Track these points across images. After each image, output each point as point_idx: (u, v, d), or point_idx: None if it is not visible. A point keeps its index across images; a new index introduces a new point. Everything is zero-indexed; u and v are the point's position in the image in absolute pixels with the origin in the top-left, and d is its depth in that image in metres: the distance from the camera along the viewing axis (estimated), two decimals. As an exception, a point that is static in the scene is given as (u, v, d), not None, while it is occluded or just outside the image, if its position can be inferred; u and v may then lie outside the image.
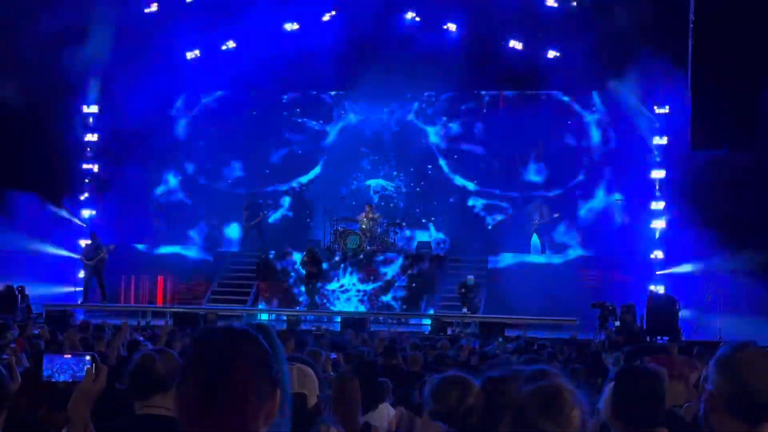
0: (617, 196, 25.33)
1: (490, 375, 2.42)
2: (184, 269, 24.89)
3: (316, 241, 25.35)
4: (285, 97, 27.57)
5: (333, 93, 27.44)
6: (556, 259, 24.20)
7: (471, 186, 26.62)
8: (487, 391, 2.38)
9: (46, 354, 4.15)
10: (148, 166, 26.65)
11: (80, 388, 3.78)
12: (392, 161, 26.97)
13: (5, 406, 3.76)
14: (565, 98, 26.20)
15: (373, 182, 26.60)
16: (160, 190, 27.55)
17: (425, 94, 27.00)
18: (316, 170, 27.31)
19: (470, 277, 22.70)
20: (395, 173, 26.98)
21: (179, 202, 27.54)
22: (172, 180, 27.75)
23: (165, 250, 25.42)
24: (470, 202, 26.58)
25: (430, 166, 26.90)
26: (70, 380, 3.98)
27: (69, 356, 4.06)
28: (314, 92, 27.49)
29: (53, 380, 4.01)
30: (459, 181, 26.71)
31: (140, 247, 25.39)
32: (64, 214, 25.85)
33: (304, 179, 27.37)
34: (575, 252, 24.87)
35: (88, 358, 3.95)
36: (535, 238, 25.01)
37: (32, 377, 7.08)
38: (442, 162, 26.86)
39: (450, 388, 3.78)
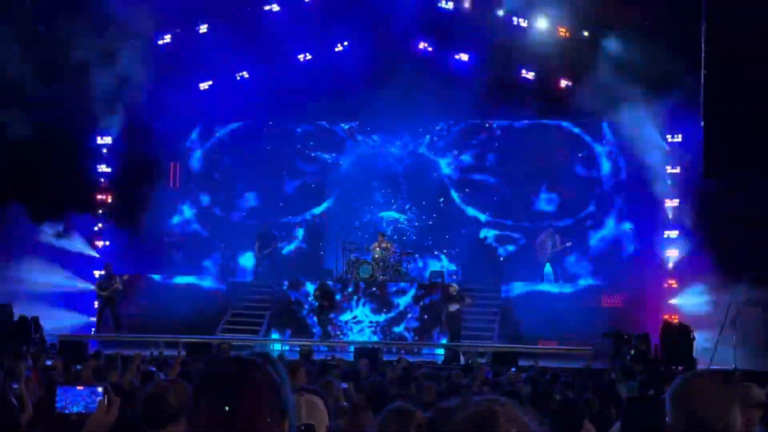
0: (627, 225, 25.35)
1: (438, 405, 2.46)
2: (198, 299, 24.87)
3: (328, 270, 25.42)
4: (299, 129, 27.73)
5: (345, 126, 27.57)
6: (569, 289, 24.15)
7: (483, 217, 26.67)
8: (432, 421, 2.44)
9: (60, 386, 4.17)
10: (164, 197, 26.86)
11: (92, 419, 3.81)
12: (404, 194, 27.03)
13: None
14: (576, 129, 26.30)
15: (385, 215, 26.61)
16: (175, 220, 27.68)
17: (437, 127, 27.12)
18: (329, 202, 27.41)
19: (454, 286, 22.74)
20: (407, 206, 27.03)
21: (194, 232, 27.66)
22: (188, 211, 27.90)
23: (181, 280, 25.48)
24: (482, 234, 26.62)
25: (441, 199, 26.96)
26: (83, 411, 4.00)
27: (82, 388, 4.09)
28: (327, 124, 27.64)
29: (66, 412, 4.04)
30: (471, 212, 26.76)
31: (156, 277, 25.45)
32: (78, 244, 25.95)
33: (317, 210, 27.47)
34: (587, 281, 24.86)
35: (100, 389, 3.98)
36: (548, 267, 24.97)
37: (45, 408, 7.10)
38: (454, 194, 26.94)
39: (393, 418, 3.81)
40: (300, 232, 27.53)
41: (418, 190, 27.02)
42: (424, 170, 27.12)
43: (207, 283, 25.55)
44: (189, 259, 26.84)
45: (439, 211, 27.01)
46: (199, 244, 27.39)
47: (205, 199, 27.99)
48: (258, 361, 2.55)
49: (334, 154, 27.67)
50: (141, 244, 26.16)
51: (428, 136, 27.22)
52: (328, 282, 23.86)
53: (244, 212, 27.67)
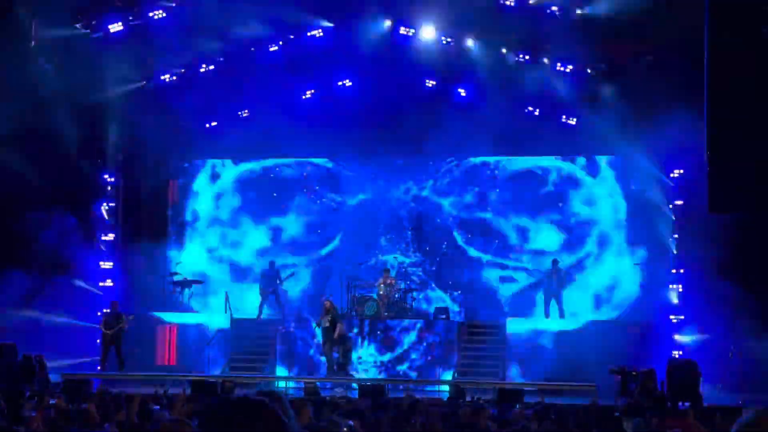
0: (631, 260, 25.31)
1: None
2: (203, 337, 24.79)
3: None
4: (304, 172, 27.77)
5: (350, 173, 27.55)
6: (573, 325, 24.05)
7: (485, 258, 26.60)
8: None
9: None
10: (171, 237, 27.09)
11: None
12: (408, 239, 26.97)
13: None
14: (577, 169, 26.33)
15: (390, 257, 26.39)
16: (183, 259, 27.64)
17: (441, 169, 27.04)
18: (335, 243, 27.38)
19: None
20: (411, 250, 26.90)
21: (201, 272, 27.63)
22: (195, 250, 27.91)
23: (186, 319, 25.45)
24: (484, 274, 26.55)
25: (445, 244, 26.88)
26: None
27: None
28: (332, 167, 27.63)
29: None
30: (473, 253, 26.69)
31: (164, 316, 25.44)
32: (82, 283, 25.92)
33: (323, 252, 27.44)
34: (591, 317, 24.78)
35: None
36: (552, 303, 24.91)
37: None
38: (456, 235, 26.86)
39: None
40: (306, 273, 27.48)
41: (422, 235, 26.98)
42: (427, 215, 27.07)
43: (213, 321, 25.44)
44: (196, 298, 26.86)
45: (443, 255, 26.96)
46: (206, 283, 27.36)
47: (213, 239, 28.02)
48: (261, 403, 2.53)
49: (339, 199, 27.64)
50: (147, 282, 26.13)
51: (431, 181, 27.16)
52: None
53: (250, 252, 27.68)
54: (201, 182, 28.37)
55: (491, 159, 26.93)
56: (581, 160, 26.34)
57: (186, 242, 28.02)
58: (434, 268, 26.90)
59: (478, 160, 26.96)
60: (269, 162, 27.92)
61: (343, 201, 27.61)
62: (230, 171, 28.27)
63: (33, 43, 22.60)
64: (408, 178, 27.17)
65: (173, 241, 27.80)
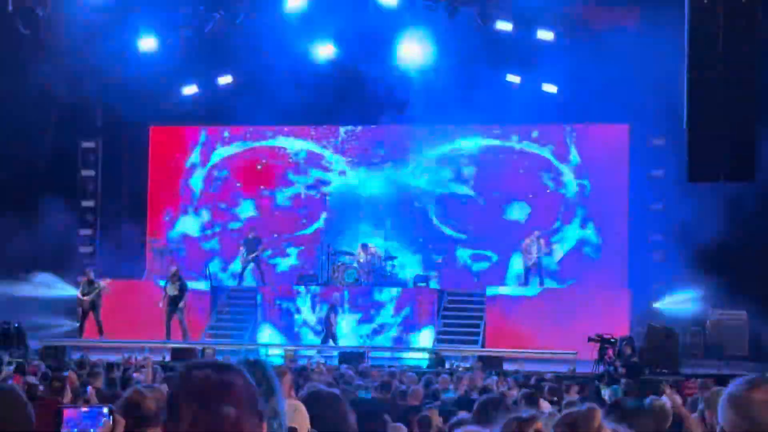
0: (590, 230, 25.43)
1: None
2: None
3: (312, 274, 25.49)
4: (291, 149, 27.75)
5: (332, 155, 27.52)
6: (552, 292, 24.14)
7: (460, 237, 26.57)
8: None
9: (65, 407, 4.13)
10: (158, 203, 27.25)
11: None
12: (388, 222, 26.79)
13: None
14: (545, 151, 26.39)
15: (370, 242, 26.13)
16: (177, 227, 27.74)
17: (418, 149, 27.00)
18: (319, 224, 27.34)
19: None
20: (391, 234, 26.66)
21: (193, 240, 27.68)
22: (188, 221, 27.93)
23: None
24: (458, 252, 26.52)
25: (422, 224, 26.82)
26: None
27: (86, 409, 4.06)
28: (315, 146, 27.61)
29: None
30: (448, 232, 26.67)
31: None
32: (64, 250, 25.85)
33: (309, 231, 27.42)
34: (570, 284, 24.89)
35: (105, 410, 3.96)
36: (532, 272, 24.99)
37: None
38: (432, 215, 26.79)
39: None
40: (293, 251, 27.48)
41: (400, 221, 26.69)
42: (405, 201, 26.97)
43: (197, 287, 25.39)
44: (186, 266, 26.99)
45: (418, 243, 26.87)
46: (196, 251, 27.44)
47: (203, 212, 28.03)
48: (235, 366, 2.52)
49: (323, 182, 27.60)
50: (132, 250, 26.15)
51: (410, 166, 27.05)
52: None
53: (240, 221, 27.70)
54: (193, 159, 28.30)
55: (466, 141, 26.83)
56: (550, 147, 26.35)
57: (180, 214, 28.06)
58: (412, 253, 26.83)
59: (453, 144, 26.86)
60: (258, 144, 27.97)
61: (328, 180, 27.55)
62: (220, 150, 28.25)
63: (10, 8, 22.35)
64: (386, 159, 27.07)
65: (160, 211, 27.91)
